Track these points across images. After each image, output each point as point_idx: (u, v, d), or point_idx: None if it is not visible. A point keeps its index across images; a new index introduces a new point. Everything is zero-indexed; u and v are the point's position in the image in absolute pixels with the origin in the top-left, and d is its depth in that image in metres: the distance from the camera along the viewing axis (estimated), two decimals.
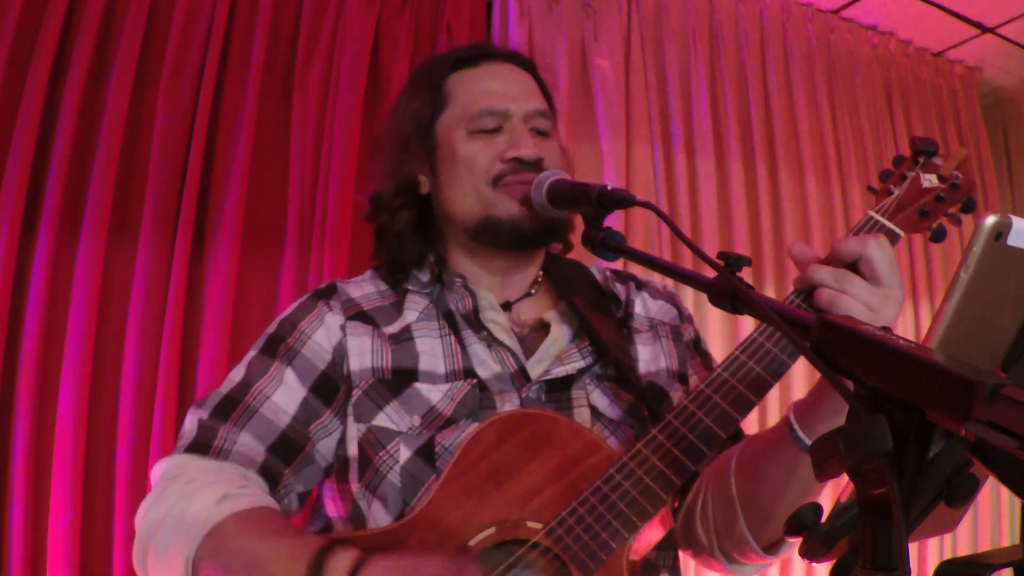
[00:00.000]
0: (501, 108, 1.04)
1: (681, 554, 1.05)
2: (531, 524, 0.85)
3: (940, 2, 2.72)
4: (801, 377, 2.48)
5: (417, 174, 1.09)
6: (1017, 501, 2.78)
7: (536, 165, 1.02)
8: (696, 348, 1.15)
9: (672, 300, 1.17)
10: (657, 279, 1.34)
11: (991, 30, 2.87)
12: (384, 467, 0.94)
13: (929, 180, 0.94)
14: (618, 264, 2.16)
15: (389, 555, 0.75)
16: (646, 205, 0.84)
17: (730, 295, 0.70)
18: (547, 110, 1.09)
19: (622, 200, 0.87)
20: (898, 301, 0.84)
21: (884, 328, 0.54)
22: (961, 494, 0.54)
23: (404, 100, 1.12)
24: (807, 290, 0.88)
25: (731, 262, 0.73)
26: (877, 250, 0.83)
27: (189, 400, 1.84)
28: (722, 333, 2.44)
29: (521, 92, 1.08)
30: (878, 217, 0.93)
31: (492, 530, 0.85)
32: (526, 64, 1.13)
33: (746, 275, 0.73)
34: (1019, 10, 2.72)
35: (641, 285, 1.18)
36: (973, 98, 3.17)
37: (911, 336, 2.79)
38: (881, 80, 2.94)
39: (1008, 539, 2.83)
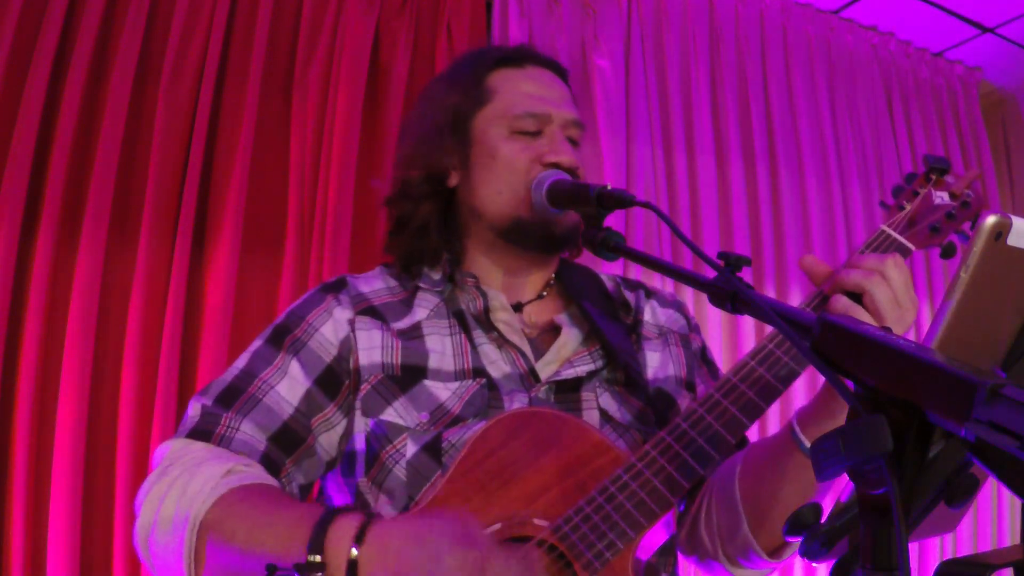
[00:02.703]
0: (544, 112, 1.05)
1: (682, 560, 1.05)
2: (537, 522, 0.85)
3: (940, 2, 2.72)
4: (802, 383, 2.47)
5: (447, 165, 1.08)
6: (1017, 501, 2.78)
7: (573, 173, 1.03)
8: (703, 358, 1.15)
9: (681, 309, 1.18)
10: (658, 282, 1.35)
11: (991, 30, 2.87)
12: (390, 461, 0.94)
13: (941, 197, 0.96)
14: (618, 264, 2.16)
15: (395, 519, 0.75)
16: (646, 205, 0.84)
17: (730, 295, 0.70)
18: (581, 121, 1.10)
19: (622, 200, 0.88)
20: (908, 324, 0.85)
21: (884, 328, 0.54)
22: (961, 494, 0.54)
23: (442, 90, 1.11)
24: (821, 300, 0.88)
25: (731, 262, 0.73)
26: (895, 270, 0.84)
27: (189, 400, 1.84)
28: (722, 334, 2.44)
29: (561, 99, 1.09)
30: (890, 231, 0.94)
31: (498, 526, 0.85)
32: (563, 74, 1.15)
33: (746, 275, 0.73)
34: (1019, 10, 2.72)
35: (650, 293, 1.18)
36: (973, 98, 3.16)
37: (911, 336, 2.78)
38: (881, 80, 2.94)
39: (1009, 539, 2.83)
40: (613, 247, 0.87)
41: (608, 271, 1.24)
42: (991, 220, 0.54)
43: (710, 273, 0.74)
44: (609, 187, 0.89)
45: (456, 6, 2.24)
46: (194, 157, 1.90)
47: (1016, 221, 0.54)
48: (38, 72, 1.77)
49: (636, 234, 2.35)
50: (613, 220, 0.92)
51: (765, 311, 0.63)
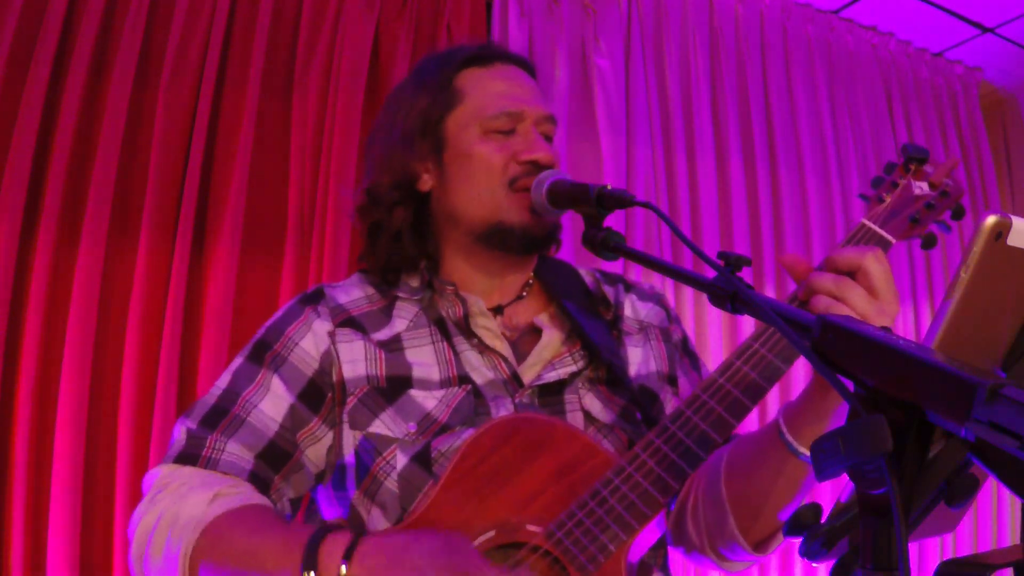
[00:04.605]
0: (517, 109, 1.04)
1: (672, 554, 1.06)
2: (530, 527, 0.85)
3: (940, 2, 2.72)
4: (801, 378, 2.48)
5: (419, 170, 1.07)
6: (1017, 501, 2.78)
7: (551, 168, 1.02)
8: (684, 349, 1.15)
9: (660, 302, 1.17)
10: (657, 281, 1.34)
11: (991, 30, 2.87)
12: (381, 474, 0.94)
13: (920, 187, 0.95)
14: (618, 264, 2.16)
15: (381, 534, 0.77)
16: (646, 205, 0.84)
17: (730, 295, 0.70)
18: (554, 116, 1.09)
19: (622, 200, 0.87)
20: (892, 316, 0.83)
21: (884, 328, 0.54)
22: (961, 494, 0.54)
23: (409, 94, 1.10)
24: (804, 300, 0.88)
25: (731, 262, 0.73)
26: (874, 263, 0.83)
27: (189, 400, 1.84)
28: (722, 333, 2.44)
29: (532, 95, 1.08)
30: (870, 224, 0.93)
31: (492, 533, 0.85)
32: (530, 69, 1.14)
33: (746, 275, 0.73)
34: (1019, 10, 2.72)
35: (630, 287, 1.17)
36: (973, 98, 3.16)
37: (911, 336, 2.78)
38: (881, 80, 2.94)
39: (1009, 539, 2.83)
40: (613, 247, 0.87)
41: (608, 271, 1.24)
42: (991, 220, 0.53)
43: (710, 273, 0.74)
44: (609, 187, 0.88)
45: (456, 6, 2.24)
46: (194, 157, 1.90)
47: (1016, 221, 0.54)
48: (38, 72, 1.77)
49: (636, 234, 2.35)
50: (613, 220, 0.92)
51: (765, 311, 0.63)
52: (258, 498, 0.90)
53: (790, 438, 0.87)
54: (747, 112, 2.63)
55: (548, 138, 1.07)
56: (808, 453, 0.86)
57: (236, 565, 0.79)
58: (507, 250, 1.05)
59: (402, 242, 1.07)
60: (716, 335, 2.41)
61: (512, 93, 1.06)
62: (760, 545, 0.95)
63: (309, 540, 0.75)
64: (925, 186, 0.95)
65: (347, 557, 0.73)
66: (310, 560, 0.74)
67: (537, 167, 1.01)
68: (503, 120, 1.03)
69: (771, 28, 2.72)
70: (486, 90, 1.06)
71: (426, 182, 1.08)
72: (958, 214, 0.97)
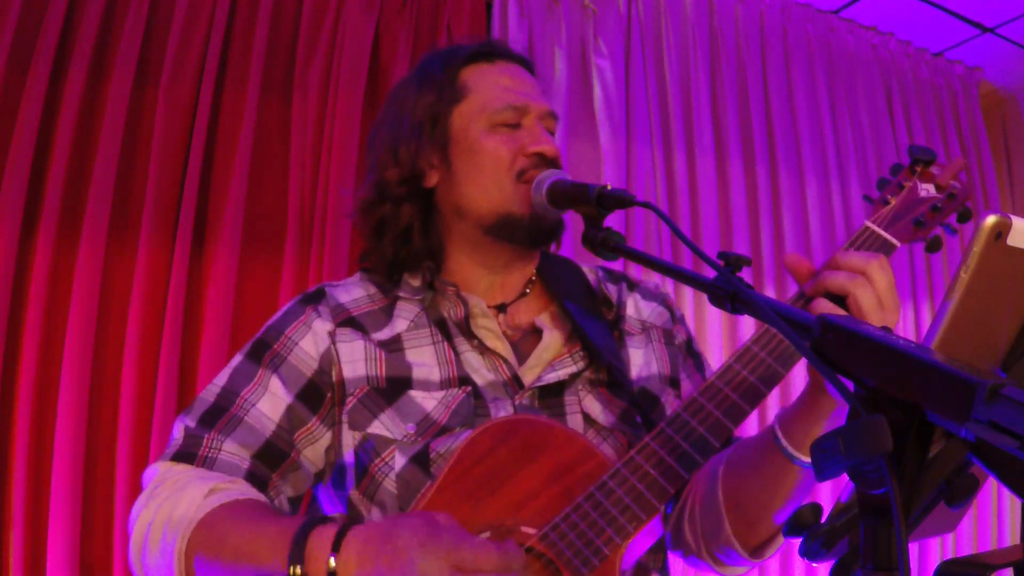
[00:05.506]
0: (522, 103, 1.05)
1: (670, 555, 1.06)
2: (525, 529, 0.85)
3: (940, 2, 2.72)
4: (802, 381, 2.48)
5: (425, 166, 1.07)
6: (1017, 501, 2.78)
7: (555, 163, 1.04)
8: (688, 350, 1.14)
9: (664, 302, 1.16)
10: (657, 278, 1.34)
11: (991, 30, 2.87)
12: (380, 474, 0.94)
13: (926, 189, 0.94)
14: (618, 264, 2.16)
15: (369, 524, 0.76)
16: (646, 205, 0.84)
17: (730, 295, 0.70)
18: (555, 113, 1.10)
19: (622, 200, 0.87)
20: (892, 325, 0.83)
21: (884, 328, 0.54)
22: (961, 494, 0.54)
23: (413, 90, 1.10)
24: (811, 296, 0.87)
25: (731, 262, 0.73)
26: (879, 271, 0.82)
27: (189, 400, 1.84)
28: (722, 333, 2.44)
29: (535, 91, 1.09)
30: (874, 227, 0.92)
31: (487, 535, 0.84)
32: (530, 68, 1.15)
33: (746, 275, 0.73)
34: (1019, 10, 2.72)
35: (633, 286, 1.17)
36: (973, 98, 3.16)
37: (911, 336, 2.78)
38: (881, 80, 2.94)
39: (1009, 539, 2.83)
40: (613, 247, 0.87)
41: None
42: (991, 220, 0.53)
43: (710, 273, 0.74)
44: (609, 187, 0.88)
45: (456, 6, 2.24)
46: (194, 157, 1.90)
47: (1016, 221, 0.54)
48: (38, 72, 1.77)
49: (636, 234, 2.35)
50: (613, 220, 0.92)
51: (765, 311, 0.63)
52: (254, 493, 0.91)
53: (785, 443, 0.87)
54: (747, 112, 2.63)
55: (551, 133, 1.08)
56: (804, 459, 0.86)
57: (229, 558, 0.79)
58: (515, 242, 1.05)
59: (410, 239, 1.07)
60: (716, 335, 2.41)
61: (516, 88, 1.07)
62: (756, 550, 0.95)
63: (296, 533, 0.75)
64: (931, 188, 0.94)
65: (335, 549, 0.73)
66: (297, 553, 0.74)
67: (544, 159, 1.02)
68: (509, 114, 1.04)
69: (771, 28, 2.71)
70: (491, 85, 1.07)
71: (432, 177, 1.08)
72: (964, 217, 0.95)
